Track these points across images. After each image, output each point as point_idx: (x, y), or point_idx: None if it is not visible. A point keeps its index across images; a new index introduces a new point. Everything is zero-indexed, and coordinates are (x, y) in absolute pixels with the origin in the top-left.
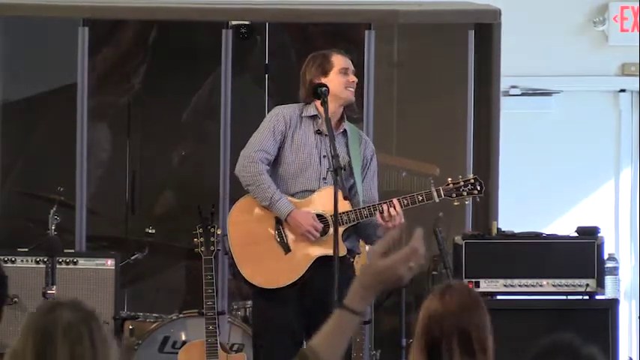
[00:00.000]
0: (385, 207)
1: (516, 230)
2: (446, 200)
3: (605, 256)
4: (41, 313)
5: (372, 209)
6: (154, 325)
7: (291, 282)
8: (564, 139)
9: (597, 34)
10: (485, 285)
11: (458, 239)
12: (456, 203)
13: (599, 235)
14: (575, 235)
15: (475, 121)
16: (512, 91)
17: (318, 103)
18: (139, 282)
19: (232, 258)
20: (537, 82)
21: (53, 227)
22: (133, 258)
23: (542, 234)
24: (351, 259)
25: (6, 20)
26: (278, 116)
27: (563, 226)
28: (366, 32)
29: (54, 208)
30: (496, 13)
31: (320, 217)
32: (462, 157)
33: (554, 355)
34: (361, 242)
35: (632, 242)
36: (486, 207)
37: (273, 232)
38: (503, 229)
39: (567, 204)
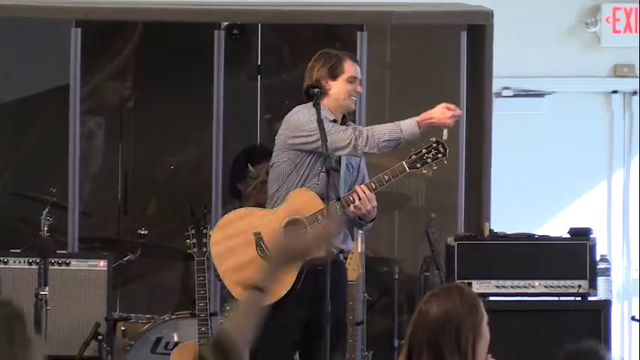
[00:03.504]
0: (355, 196)
1: (509, 231)
2: (413, 172)
3: (598, 258)
4: None
5: (343, 202)
6: (147, 326)
7: (284, 293)
8: (557, 140)
9: (589, 35)
10: (478, 286)
11: (450, 240)
12: (424, 171)
13: (591, 236)
14: (568, 236)
15: (467, 122)
16: (505, 93)
17: (325, 102)
18: (132, 283)
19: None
20: (530, 83)
21: (46, 228)
22: (125, 259)
23: (534, 235)
24: (344, 259)
25: None
26: (312, 116)
27: (556, 227)
28: (359, 33)
29: (46, 209)
30: (488, 15)
31: (295, 221)
32: (454, 159)
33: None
34: (356, 242)
35: (624, 243)
36: (479, 208)
37: (255, 250)
38: (495, 231)
39: (560, 205)
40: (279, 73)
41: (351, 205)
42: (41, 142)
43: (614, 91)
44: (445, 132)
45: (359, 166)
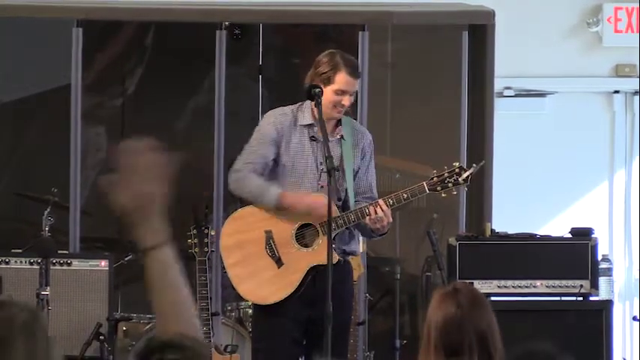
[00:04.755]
0: (372, 209)
1: (510, 231)
2: (432, 194)
3: (599, 257)
4: None
5: (359, 213)
6: (148, 326)
7: (287, 295)
8: (558, 140)
9: (591, 35)
10: (479, 286)
11: (452, 240)
12: (443, 195)
13: (593, 236)
14: (569, 236)
15: (469, 122)
16: (506, 92)
17: (312, 104)
18: (133, 283)
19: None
20: (531, 83)
21: (47, 228)
22: (126, 259)
23: (536, 235)
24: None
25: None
26: (269, 126)
27: (557, 227)
28: (360, 33)
29: (48, 209)
30: (490, 15)
31: (307, 226)
32: (456, 159)
33: None
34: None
35: (625, 243)
36: (480, 208)
37: (263, 248)
38: (497, 231)
39: (561, 205)
40: (280, 72)
41: (367, 217)
42: (42, 142)
43: (616, 91)
44: (468, 173)
45: (358, 169)
